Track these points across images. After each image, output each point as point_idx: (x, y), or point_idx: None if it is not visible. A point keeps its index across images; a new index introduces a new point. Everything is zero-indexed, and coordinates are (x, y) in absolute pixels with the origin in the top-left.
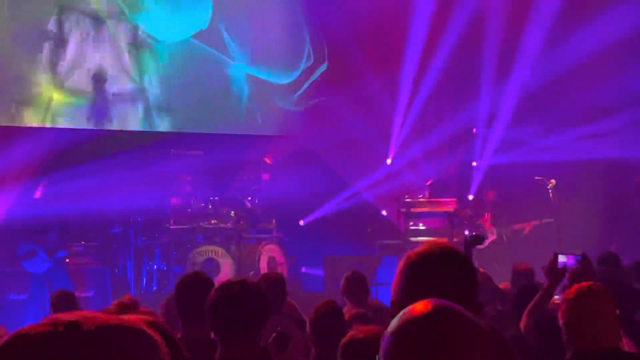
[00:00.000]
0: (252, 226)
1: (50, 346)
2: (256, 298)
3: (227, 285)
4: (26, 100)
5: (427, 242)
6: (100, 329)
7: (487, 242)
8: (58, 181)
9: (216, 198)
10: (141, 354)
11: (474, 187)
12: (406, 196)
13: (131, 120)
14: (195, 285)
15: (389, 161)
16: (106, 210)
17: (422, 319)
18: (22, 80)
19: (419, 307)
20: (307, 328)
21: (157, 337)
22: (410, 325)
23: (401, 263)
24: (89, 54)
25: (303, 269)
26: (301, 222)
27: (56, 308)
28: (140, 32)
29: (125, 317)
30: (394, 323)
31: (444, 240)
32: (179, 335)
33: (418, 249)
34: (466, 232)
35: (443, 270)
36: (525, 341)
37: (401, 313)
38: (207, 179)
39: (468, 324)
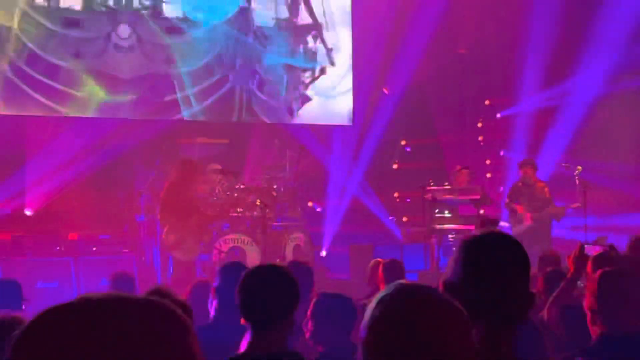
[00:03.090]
0: (278, 214)
1: (78, 322)
2: (288, 282)
3: (258, 269)
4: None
5: (483, 228)
6: (129, 306)
7: (523, 227)
8: (83, 169)
9: (242, 186)
10: (169, 333)
11: (503, 176)
12: (431, 183)
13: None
14: (238, 273)
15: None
16: (132, 198)
17: (390, 304)
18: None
19: (387, 294)
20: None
21: (187, 318)
22: (381, 315)
23: (457, 246)
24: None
25: (322, 253)
26: (314, 206)
27: (115, 288)
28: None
29: (155, 298)
30: (367, 317)
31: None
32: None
33: (473, 234)
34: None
35: (497, 254)
36: (550, 328)
37: (372, 304)
38: (232, 167)
39: (437, 303)
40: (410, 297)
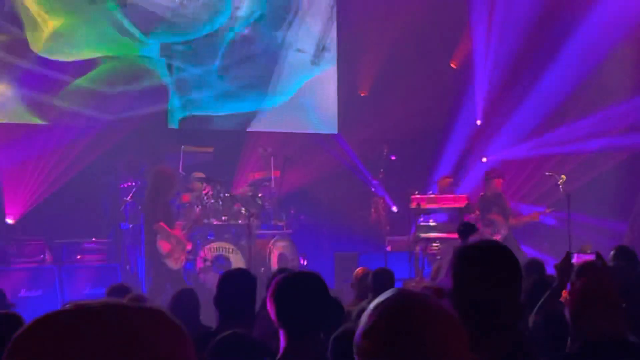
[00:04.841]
0: (262, 222)
1: (72, 328)
2: (324, 291)
3: (295, 276)
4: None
5: (479, 238)
6: (121, 312)
7: (499, 237)
8: (67, 177)
9: (227, 195)
10: (162, 337)
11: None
12: (416, 192)
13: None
14: (240, 281)
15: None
16: (117, 206)
17: (387, 310)
18: None
19: (384, 300)
20: None
21: (181, 325)
22: (378, 321)
23: (451, 254)
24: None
25: (303, 262)
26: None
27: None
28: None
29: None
30: (363, 323)
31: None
32: (214, 328)
33: (469, 243)
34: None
35: (492, 264)
36: (535, 336)
37: (368, 310)
38: (217, 175)
39: (434, 310)
40: (407, 304)
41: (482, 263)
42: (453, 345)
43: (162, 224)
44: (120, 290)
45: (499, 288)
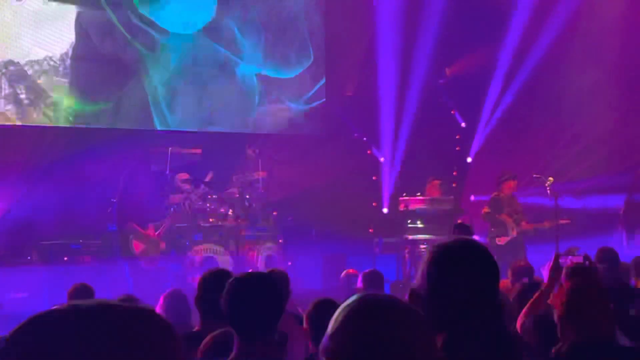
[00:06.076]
0: (250, 224)
1: (65, 327)
2: (275, 292)
3: (245, 278)
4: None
5: (454, 236)
6: (114, 312)
7: (507, 239)
8: (55, 179)
9: (214, 196)
10: (153, 336)
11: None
12: (404, 194)
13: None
14: (219, 281)
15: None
16: (104, 207)
17: (351, 312)
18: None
19: (350, 303)
20: (304, 323)
21: (169, 323)
22: (342, 323)
23: (426, 253)
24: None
25: (289, 263)
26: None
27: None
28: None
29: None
30: (330, 326)
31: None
32: (196, 329)
33: (443, 241)
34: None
35: (466, 263)
36: (523, 339)
37: (336, 313)
38: (205, 176)
39: (398, 310)
40: (371, 306)
41: (457, 261)
42: (418, 345)
43: (134, 224)
44: (84, 291)
45: (475, 286)
